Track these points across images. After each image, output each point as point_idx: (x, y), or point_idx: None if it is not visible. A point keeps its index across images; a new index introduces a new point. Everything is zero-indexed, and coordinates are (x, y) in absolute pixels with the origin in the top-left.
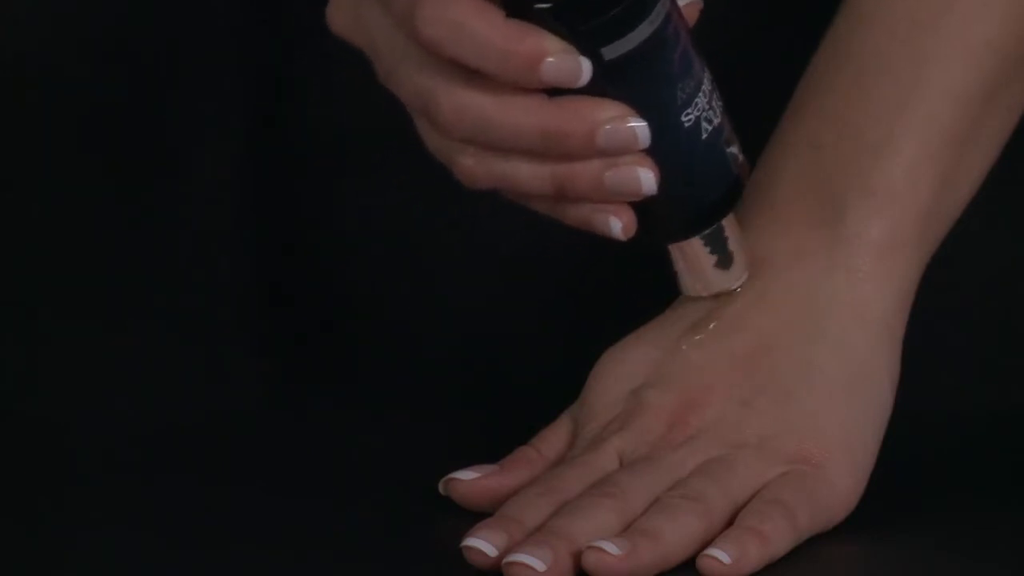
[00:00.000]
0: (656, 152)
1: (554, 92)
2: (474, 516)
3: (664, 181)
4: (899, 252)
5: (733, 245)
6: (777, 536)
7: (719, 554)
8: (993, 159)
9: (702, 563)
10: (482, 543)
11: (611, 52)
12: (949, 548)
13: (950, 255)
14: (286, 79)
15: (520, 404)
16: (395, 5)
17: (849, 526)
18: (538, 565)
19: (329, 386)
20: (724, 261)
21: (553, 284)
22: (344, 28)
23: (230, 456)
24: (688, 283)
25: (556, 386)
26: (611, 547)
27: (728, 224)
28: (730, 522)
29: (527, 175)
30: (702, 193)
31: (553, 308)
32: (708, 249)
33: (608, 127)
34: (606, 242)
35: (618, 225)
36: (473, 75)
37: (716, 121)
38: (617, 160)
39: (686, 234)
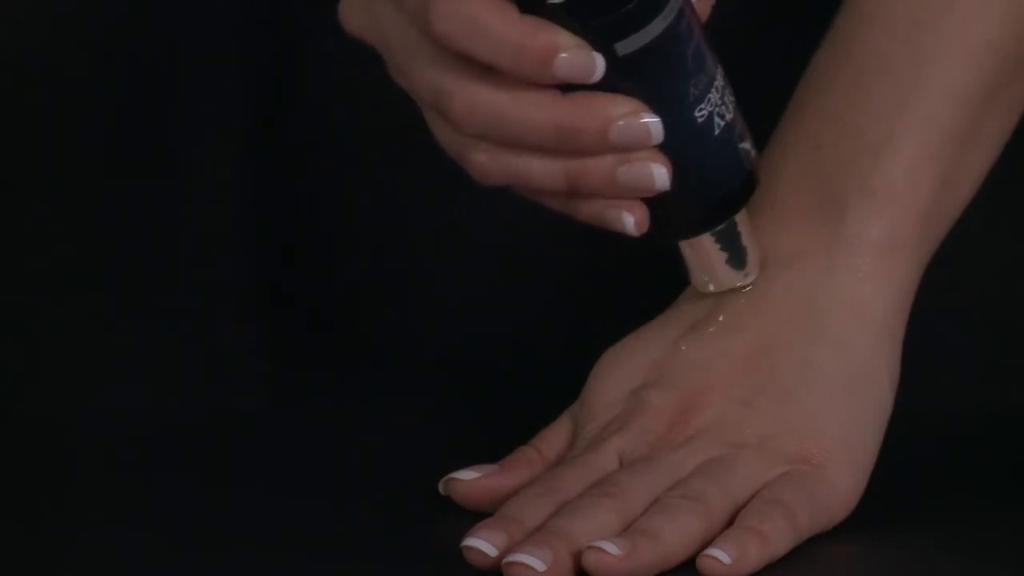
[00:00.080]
0: (669, 148)
1: (567, 88)
2: (474, 516)
3: (677, 177)
4: (899, 252)
5: (745, 241)
6: (777, 536)
7: (719, 554)
8: (993, 159)
9: (702, 563)
10: (482, 543)
11: (625, 48)
12: (949, 548)
13: (950, 255)
14: (286, 79)
15: (520, 404)
16: (409, 1)
17: (849, 526)
18: (538, 565)
19: (329, 386)
20: (736, 257)
21: (553, 284)
22: (357, 25)
23: (230, 456)
24: (699, 279)
25: (556, 386)
26: (611, 547)
27: (740, 220)
28: (730, 522)
29: (539, 171)
30: (715, 189)
31: (553, 308)
32: (720, 245)
33: (621, 123)
34: (606, 242)
35: (631, 221)
36: (486, 70)
37: (729, 116)
38: (630, 156)
39: (698, 230)
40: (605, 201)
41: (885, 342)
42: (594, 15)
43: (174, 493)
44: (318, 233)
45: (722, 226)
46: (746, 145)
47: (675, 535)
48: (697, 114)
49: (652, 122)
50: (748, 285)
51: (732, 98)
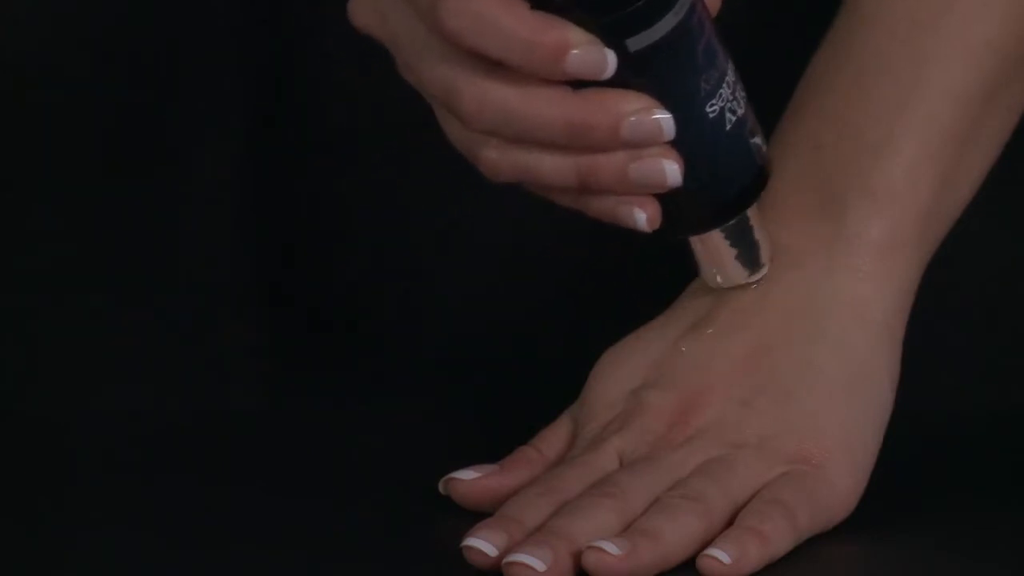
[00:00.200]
0: (681, 144)
1: (578, 84)
2: (474, 516)
3: (688, 173)
4: (899, 252)
5: (756, 237)
6: (777, 536)
7: (719, 554)
8: (993, 159)
9: (702, 563)
10: (482, 543)
11: (636, 43)
12: (949, 548)
13: (950, 255)
14: (286, 79)
15: (520, 404)
16: None
17: (849, 526)
18: (538, 565)
19: (329, 386)
20: (747, 253)
21: (553, 284)
22: (366, 22)
23: (230, 456)
24: (709, 275)
25: (556, 386)
26: (611, 547)
27: (752, 216)
28: (730, 522)
29: (550, 167)
30: (727, 184)
31: (553, 308)
32: (731, 241)
33: (633, 119)
34: (606, 242)
35: (643, 217)
36: (496, 67)
37: (740, 112)
38: (642, 152)
39: (710, 226)
40: (616, 197)
41: (885, 342)
42: (605, 11)
43: (174, 493)
44: (318, 233)
45: (734, 221)
46: (757, 140)
47: (675, 535)
48: (708, 110)
49: (664, 118)
50: (759, 280)
51: (743, 93)
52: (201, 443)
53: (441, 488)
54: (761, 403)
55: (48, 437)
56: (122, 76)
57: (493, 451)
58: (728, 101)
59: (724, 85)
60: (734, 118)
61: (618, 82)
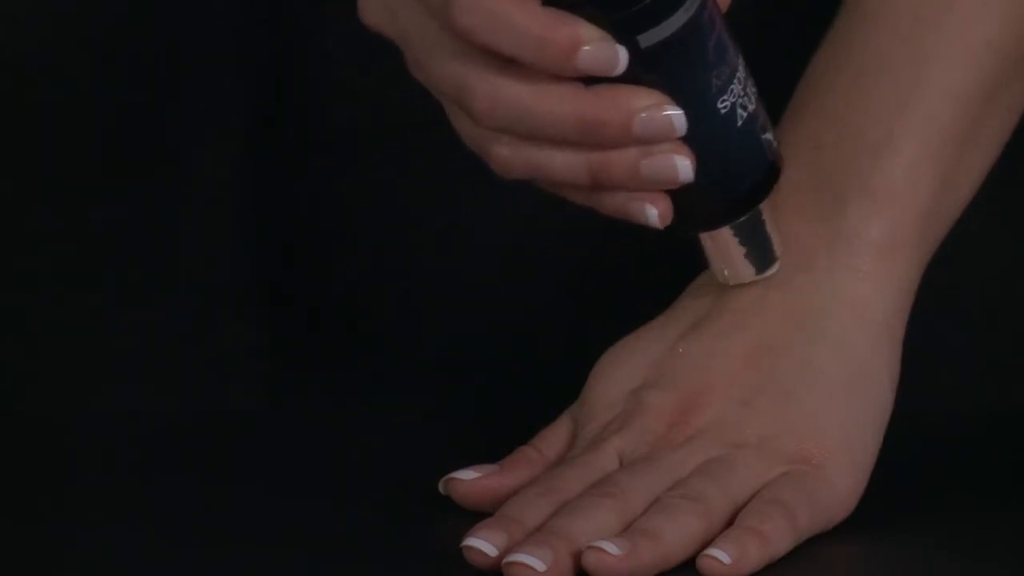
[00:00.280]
0: (692, 140)
1: (589, 80)
2: (474, 516)
3: (700, 168)
4: (899, 252)
5: (767, 233)
6: (777, 536)
7: (719, 554)
8: (993, 159)
9: (702, 563)
10: (482, 543)
11: (647, 40)
12: (949, 548)
13: (950, 255)
14: (286, 79)
15: (520, 404)
16: None
17: (849, 526)
18: (538, 565)
19: (329, 386)
20: (758, 248)
21: (553, 284)
22: (375, 19)
23: (230, 456)
24: (719, 271)
25: (556, 386)
26: (611, 547)
27: (763, 212)
28: (730, 522)
29: (562, 164)
30: (738, 180)
31: (553, 308)
32: (742, 237)
33: (644, 115)
34: (606, 242)
35: (654, 213)
36: (508, 64)
37: (751, 108)
38: (653, 148)
39: (721, 222)
40: (628, 194)
41: (885, 342)
42: (617, 7)
43: (174, 493)
44: (318, 233)
45: (746, 217)
46: (768, 136)
47: (675, 535)
48: (720, 105)
49: (675, 114)
50: (769, 276)
51: (754, 89)
52: (201, 443)
53: (441, 488)
54: (761, 403)
55: (48, 437)
56: (122, 76)
57: (493, 451)
58: (739, 97)
59: (735, 81)
60: (745, 114)
61: (629, 78)
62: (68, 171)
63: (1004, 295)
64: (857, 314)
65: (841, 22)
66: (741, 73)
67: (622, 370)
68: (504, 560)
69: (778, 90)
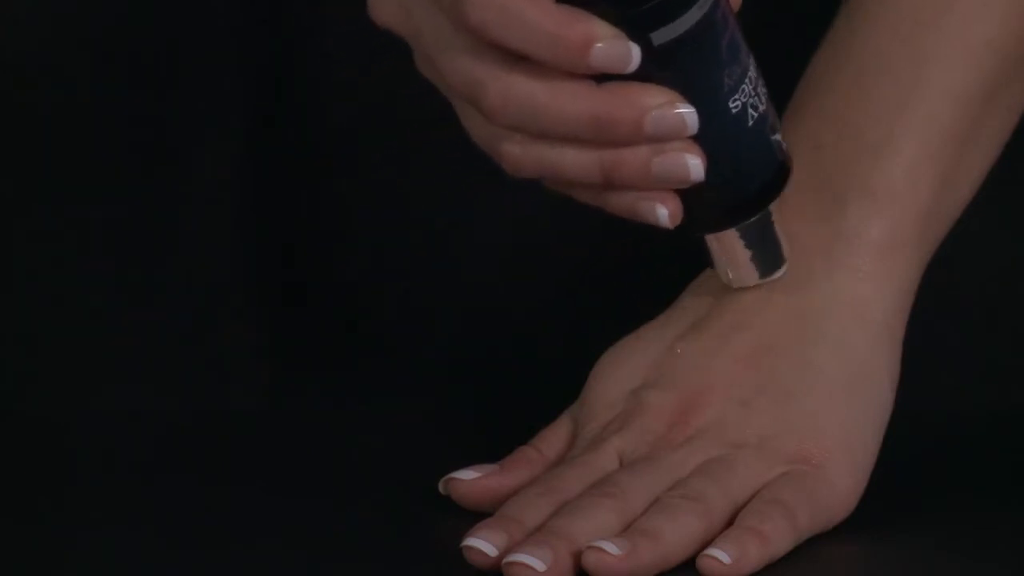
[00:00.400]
0: (703, 139)
1: (601, 78)
2: (474, 516)
3: (710, 168)
4: (899, 252)
5: (776, 236)
6: (777, 536)
7: (719, 554)
8: (993, 159)
9: (702, 563)
10: (482, 543)
11: (660, 37)
12: (949, 548)
13: (950, 255)
14: (286, 79)
15: (520, 404)
16: None
17: (849, 526)
18: (538, 565)
19: (329, 386)
20: (767, 250)
21: (553, 284)
22: (388, 18)
23: (230, 456)
24: (726, 274)
25: (556, 386)
26: (611, 547)
27: (773, 213)
28: (730, 522)
29: (573, 162)
30: (748, 180)
31: (553, 308)
32: (749, 240)
33: (656, 113)
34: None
35: (664, 213)
36: (520, 61)
37: (762, 108)
38: (664, 147)
39: (730, 222)
40: (637, 193)
41: (885, 342)
42: (630, 5)
43: (174, 493)
44: (318, 233)
45: (755, 218)
46: (778, 137)
47: (675, 535)
48: (731, 105)
49: (687, 112)
50: (777, 278)
51: (764, 89)
52: (201, 443)
53: (441, 488)
54: (761, 403)
55: (48, 437)
56: (122, 76)
57: (493, 451)
58: (750, 97)
59: (746, 80)
60: (756, 114)
61: (642, 76)
62: (68, 171)
63: (1004, 295)
64: (857, 314)
65: (841, 22)
66: (752, 73)
67: (622, 370)
68: (504, 560)
69: (778, 90)
